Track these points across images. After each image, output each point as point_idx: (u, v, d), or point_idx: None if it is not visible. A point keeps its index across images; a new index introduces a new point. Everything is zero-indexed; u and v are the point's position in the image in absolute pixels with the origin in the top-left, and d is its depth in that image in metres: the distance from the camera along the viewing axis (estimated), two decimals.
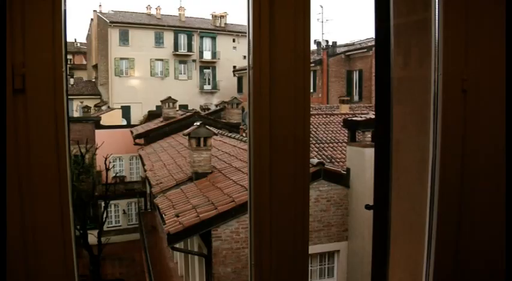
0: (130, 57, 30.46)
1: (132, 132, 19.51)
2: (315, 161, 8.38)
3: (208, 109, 24.05)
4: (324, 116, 14.02)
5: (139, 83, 30.52)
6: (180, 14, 33.72)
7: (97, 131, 18.43)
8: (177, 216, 7.66)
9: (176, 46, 32.05)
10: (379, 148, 1.81)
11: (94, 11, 32.10)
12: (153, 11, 33.01)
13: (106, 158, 15.25)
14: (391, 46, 1.68)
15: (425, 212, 1.69)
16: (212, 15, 34.63)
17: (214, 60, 33.47)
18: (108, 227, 17.18)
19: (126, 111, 27.84)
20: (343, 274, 8.76)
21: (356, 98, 23.07)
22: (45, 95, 1.24)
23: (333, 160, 10.78)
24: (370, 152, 7.53)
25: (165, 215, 8.06)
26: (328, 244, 8.62)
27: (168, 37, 31.80)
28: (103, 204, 15.58)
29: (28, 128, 1.23)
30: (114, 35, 30.14)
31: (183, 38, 32.36)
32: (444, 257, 1.70)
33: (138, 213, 18.04)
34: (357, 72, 23.24)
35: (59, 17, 1.24)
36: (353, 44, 25.02)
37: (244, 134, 13.22)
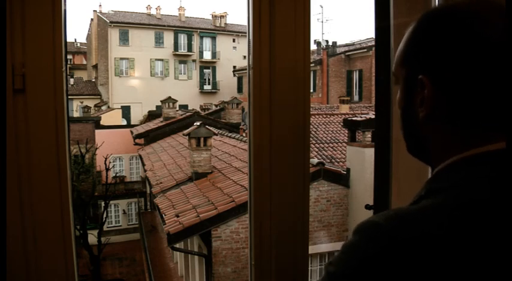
0: (131, 57, 30.48)
1: (132, 132, 19.51)
2: (315, 161, 8.38)
3: (208, 109, 24.05)
4: (324, 116, 14.02)
5: (139, 83, 30.54)
6: (180, 14, 33.74)
7: (97, 131, 18.43)
8: (177, 216, 7.66)
9: (176, 46, 32.06)
10: (379, 147, 1.80)
11: (94, 11, 32.17)
12: (153, 11, 33.05)
13: (106, 158, 15.26)
14: (391, 46, 1.68)
15: None
16: (212, 15, 34.67)
17: (214, 60, 33.48)
18: (108, 227, 17.18)
19: (126, 111, 27.86)
20: None
21: (356, 98, 23.08)
22: (45, 95, 1.24)
23: (333, 160, 10.78)
24: (370, 152, 7.53)
25: (165, 215, 8.06)
26: (328, 244, 8.62)
27: (168, 37, 31.81)
28: (103, 204, 15.59)
29: (28, 128, 1.23)
30: (114, 35, 30.16)
31: (183, 38, 32.36)
32: None
33: (138, 213, 18.05)
34: (357, 72, 23.24)
35: (59, 17, 1.24)
36: (353, 44, 25.02)
37: (244, 134, 13.21)
